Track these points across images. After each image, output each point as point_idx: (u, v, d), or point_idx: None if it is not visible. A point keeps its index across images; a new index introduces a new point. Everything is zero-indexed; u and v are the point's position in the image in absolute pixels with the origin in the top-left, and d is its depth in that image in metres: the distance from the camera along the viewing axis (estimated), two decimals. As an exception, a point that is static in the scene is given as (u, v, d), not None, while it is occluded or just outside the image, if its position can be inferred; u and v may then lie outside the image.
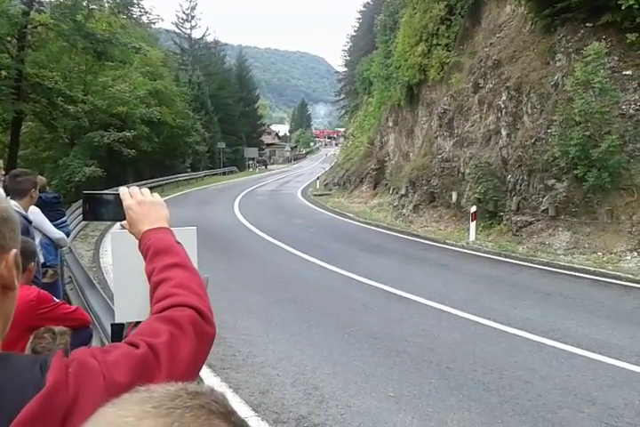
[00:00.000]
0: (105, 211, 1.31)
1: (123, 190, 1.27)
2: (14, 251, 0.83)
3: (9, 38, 17.80)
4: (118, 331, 2.65)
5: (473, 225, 12.54)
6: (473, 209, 12.61)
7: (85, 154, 23.56)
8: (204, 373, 4.89)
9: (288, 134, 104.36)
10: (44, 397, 0.72)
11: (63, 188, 20.97)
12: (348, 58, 60.86)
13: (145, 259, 1.15)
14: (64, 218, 5.39)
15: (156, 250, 1.13)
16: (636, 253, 9.71)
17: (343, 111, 63.35)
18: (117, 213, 1.26)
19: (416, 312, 7.01)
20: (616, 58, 11.47)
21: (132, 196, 1.24)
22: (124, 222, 1.26)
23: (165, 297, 1.02)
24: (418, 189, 16.76)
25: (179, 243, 1.18)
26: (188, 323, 0.97)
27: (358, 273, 9.14)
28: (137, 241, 1.24)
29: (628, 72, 11.41)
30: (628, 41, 11.23)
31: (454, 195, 14.80)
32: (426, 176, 16.62)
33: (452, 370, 5.08)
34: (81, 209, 1.40)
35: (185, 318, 0.97)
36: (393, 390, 4.68)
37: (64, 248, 5.88)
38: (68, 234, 5.24)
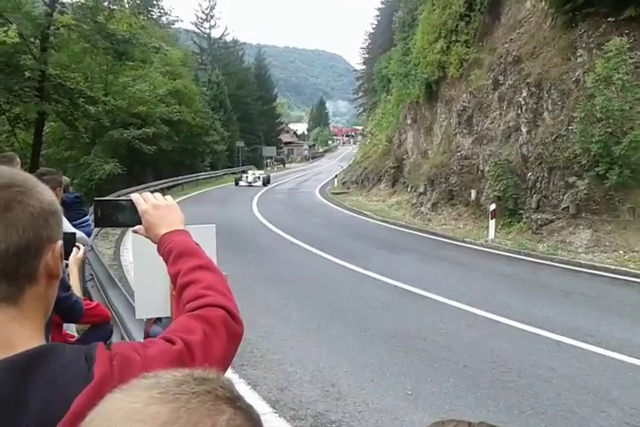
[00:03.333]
0: (120, 216, 1.30)
1: (136, 195, 1.27)
2: (60, 242, 0.87)
3: (32, 39, 18.10)
4: (71, 239, 2.66)
5: (492, 223, 12.43)
6: (492, 207, 12.50)
7: (106, 152, 23.90)
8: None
9: (306, 133, 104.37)
10: (94, 389, 0.74)
11: (85, 186, 21.29)
12: (366, 56, 60.73)
13: (166, 262, 1.17)
14: (86, 217, 5.46)
15: (178, 252, 1.14)
16: (659, 252, 9.55)
17: (361, 109, 63.22)
18: (132, 218, 1.26)
19: (434, 311, 6.99)
20: (639, 53, 11.27)
21: (146, 200, 1.25)
22: (137, 228, 1.26)
23: (196, 298, 1.04)
24: (436, 186, 16.68)
25: (197, 244, 1.20)
26: (220, 322, 0.99)
27: (376, 271, 9.13)
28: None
29: (651, 68, 11.21)
30: (651, 35, 11.04)
31: (473, 193, 14.69)
32: (444, 174, 16.52)
33: (470, 369, 5.06)
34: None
35: (217, 318, 1.00)
36: (411, 387, 4.68)
37: (86, 247, 5.95)
38: (89, 233, 5.30)
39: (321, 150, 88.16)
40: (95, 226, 1.53)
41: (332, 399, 4.48)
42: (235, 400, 0.54)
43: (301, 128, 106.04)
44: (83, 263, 6.50)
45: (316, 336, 6.05)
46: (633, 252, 9.80)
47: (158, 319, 2.99)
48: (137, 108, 24.68)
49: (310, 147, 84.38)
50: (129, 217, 1.28)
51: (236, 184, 32.74)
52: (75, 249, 2.73)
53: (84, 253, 2.89)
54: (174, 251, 1.14)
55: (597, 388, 4.61)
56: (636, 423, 4.00)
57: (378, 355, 5.43)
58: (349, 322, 6.53)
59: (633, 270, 8.97)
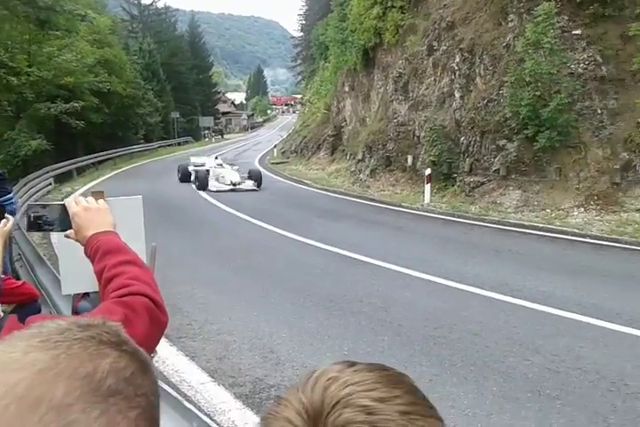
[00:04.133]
0: (51, 220, 1.31)
1: (68, 200, 1.30)
2: None
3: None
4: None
5: (428, 187, 12.73)
6: (428, 172, 12.77)
7: (32, 127, 22.62)
8: (160, 342, 4.90)
9: (244, 102, 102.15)
10: None
11: (9, 163, 20.14)
12: (303, 22, 59.78)
13: (93, 261, 1.18)
14: (10, 195, 5.19)
15: (105, 250, 1.17)
16: (582, 209, 10.10)
17: (300, 77, 62.44)
18: (63, 222, 1.28)
19: (371, 274, 7.14)
20: (566, 17, 11.56)
21: (78, 203, 1.27)
22: (69, 232, 1.27)
23: (121, 287, 1.07)
24: (374, 153, 16.84)
25: (125, 243, 1.23)
26: (143, 308, 1.02)
27: (315, 239, 9.19)
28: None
29: (577, 31, 11.55)
30: (577, 0, 11.31)
31: (410, 158, 14.93)
32: (382, 140, 16.67)
33: (404, 327, 5.22)
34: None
35: (140, 304, 1.03)
36: (348, 349, 4.79)
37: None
38: (13, 212, 5.06)
39: (260, 120, 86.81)
40: (27, 230, 1.52)
41: (270, 365, 4.53)
42: (120, 344, 0.54)
43: (239, 97, 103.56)
44: (9, 238, 6.23)
45: (256, 305, 6.06)
46: (559, 210, 10.31)
47: (86, 294, 2.91)
48: (63, 79, 23.37)
49: (249, 116, 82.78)
50: (60, 221, 1.30)
51: (202, 188, 16.79)
52: (3, 221, 2.62)
53: (12, 226, 2.76)
54: (100, 249, 1.17)
55: (523, 339, 4.87)
56: (557, 369, 4.27)
57: (316, 319, 5.52)
58: (288, 290, 6.58)
59: (558, 228, 9.45)
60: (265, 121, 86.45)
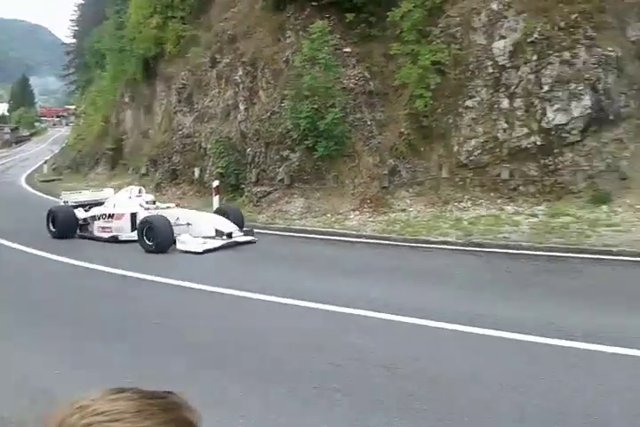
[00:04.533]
0: None
1: None
2: None
3: None
4: None
5: (216, 199, 12.67)
6: (215, 184, 12.75)
7: None
8: None
9: (7, 114, 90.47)
10: None
11: None
12: (76, 28, 55.60)
13: None
14: None
15: None
16: (358, 212, 11.03)
17: (74, 87, 57.66)
18: None
19: (157, 293, 6.81)
20: (338, 36, 12.54)
21: None
22: None
23: None
24: (159, 167, 16.32)
25: None
26: None
27: (96, 262, 8.42)
28: None
29: (347, 49, 12.63)
30: (347, 20, 12.36)
31: (197, 171, 14.77)
32: (167, 153, 16.24)
33: (199, 344, 5.02)
34: None
35: None
36: (132, 376, 4.42)
37: None
38: None
39: (27, 133, 77.82)
40: None
41: (41, 407, 3.95)
42: None
43: (1, 109, 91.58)
44: None
45: (22, 342, 5.29)
46: (338, 214, 11.11)
47: None
48: None
49: (13, 130, 73.65)
50: None
51: (161, 250, 9.02)
52: None
53: None
54: None
55: (309, 339, 5.01)
56: (340, 363, 4.46)
57: (98, 347, 5.01)
58: (64, 319, 5.89)
59: (338, 231, 10.18)
60: (33, 134, 77.82)
